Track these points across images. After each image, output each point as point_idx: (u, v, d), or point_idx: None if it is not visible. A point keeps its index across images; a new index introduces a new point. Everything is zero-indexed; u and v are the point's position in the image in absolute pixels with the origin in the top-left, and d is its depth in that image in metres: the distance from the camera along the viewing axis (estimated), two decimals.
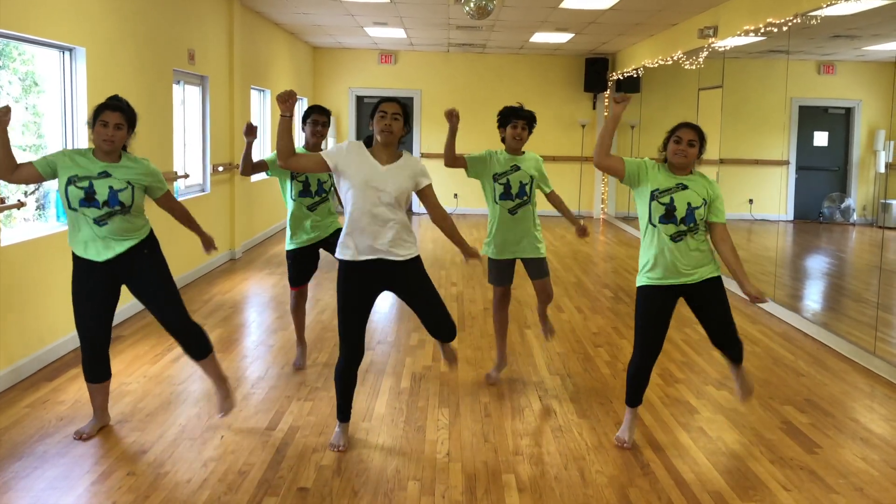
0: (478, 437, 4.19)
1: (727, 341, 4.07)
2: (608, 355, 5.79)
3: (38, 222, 5.72)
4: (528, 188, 4.82)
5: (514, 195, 4.81)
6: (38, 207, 5.82)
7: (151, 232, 4.07)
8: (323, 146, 5.07)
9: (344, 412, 4.05)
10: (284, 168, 3.86)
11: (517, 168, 4.82)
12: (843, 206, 11.59)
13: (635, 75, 12.93)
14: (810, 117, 11.51)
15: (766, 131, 10.31)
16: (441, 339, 4.16)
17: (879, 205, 10.58)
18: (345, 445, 3.99)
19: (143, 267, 3.98)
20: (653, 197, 3.88)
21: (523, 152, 4.90)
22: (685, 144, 3.86)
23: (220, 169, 9.10)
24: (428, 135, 14.88)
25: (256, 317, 6.97)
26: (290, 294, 5.34)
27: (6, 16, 4.79)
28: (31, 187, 5.72)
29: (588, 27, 11.20)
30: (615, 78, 14.11)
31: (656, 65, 11.48)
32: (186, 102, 8.38)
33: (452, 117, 4.56)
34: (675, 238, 3.87)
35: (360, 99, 14.99)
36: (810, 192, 11.45)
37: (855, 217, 11.54)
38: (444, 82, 14.83)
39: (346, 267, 3.87)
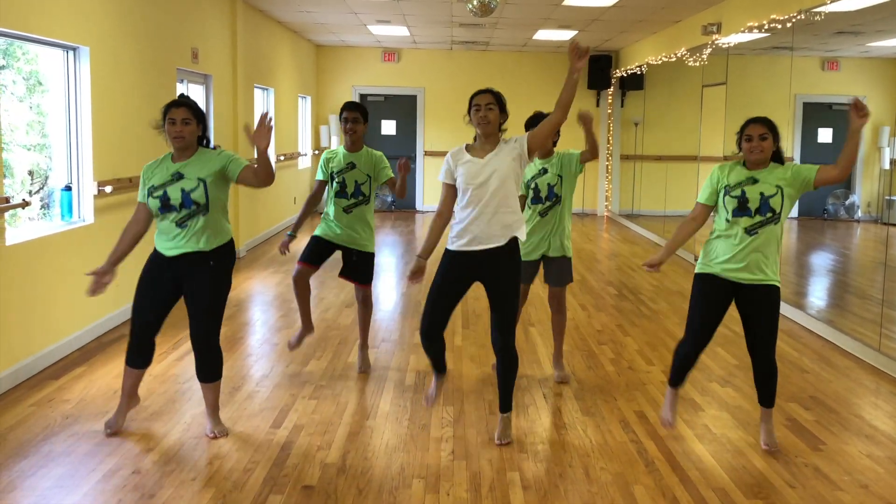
0: (482, 435, 4.19)
1: (762, 353, 3.99)
2: (612, 353, 5.79)
3: (42, 221, 5.73)
4: (556, 188, 4.87)
5: (543, 198, 4.88)
6: (42, 207, 5.83)
7: (230, 244, 4.06)
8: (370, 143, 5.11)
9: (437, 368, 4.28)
10: (449, 219, 4.08)
11: (545, 171, 4.89)
12: (847, 202, 11.56)
13: (639, 72, 12.92)
14: (814, 114, 11.48)
15: None
16: (496, 353, 4.09)
17: (884, 201, 10.55)
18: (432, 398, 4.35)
19: (203, 277, 3.97)
20: (725, 192, 3.89)
21: (553, 153, 4.93)
22: (757, 140, 3.83)
23: None
24: (431, 132, 14.89)
25: (261, 315, 6.98)
26: (296, 266, 5.09)
27: (10, 15, 4.79)
28: (36, 186, 5.74)
29: (591, 24, 11.19)
30: (618, 75, 14.10)
31: (660, 62, 11.46)
32: None
33: None
34: (750, 231, 3.84)
35: (363, 97, 14.99)
36: (814, 189, 11.43)
37: (859, 214, 11.51)
38: (448, 80, 14.82)
39: (450, 255, 4.02)
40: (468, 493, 3.53)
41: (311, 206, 5.19)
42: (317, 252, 5.06)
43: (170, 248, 3.95)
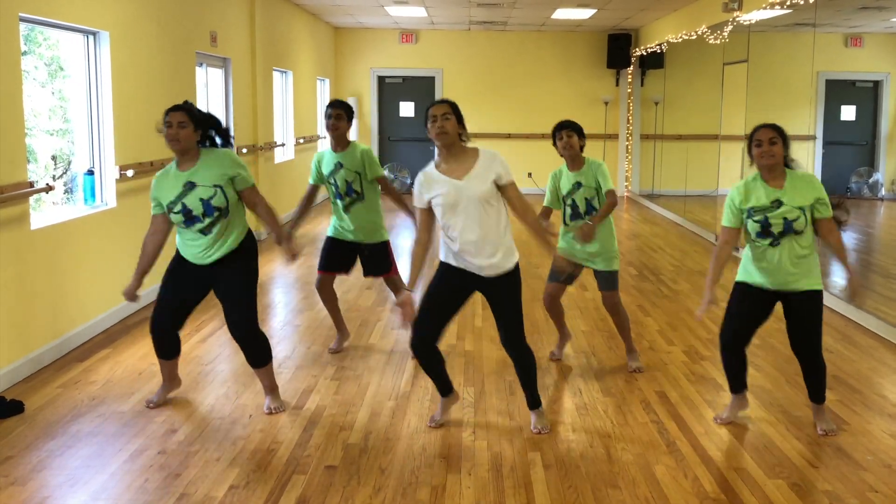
0: (503, 416, 4.21)
1: (806, 354, 3.95)
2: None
3: (66, 206, 5.79)
4: (594, 202, 4.72)
5: (582, 214, 4.75)
6: (65, 191, 5.89)
7: (249, 235, 4.12)
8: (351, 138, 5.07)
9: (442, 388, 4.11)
10: (429, 243, 3.90)
11: (580, 185, 4.73)
12: (871, 180, 11.43)
13: (659, 51, 12.80)
14: (837, 91, 11.33)
15: (792, 106, 10.19)
16: (508, 351, 4.01)
17: None
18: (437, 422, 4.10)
19: (230, 271, 4.06)
20: (749, 215, 3.82)
21: (584, 161, 4.76)
22: (767, 145, 3.77)
23: (244, 151, 9.14)
24: None
25: (282, 297, 7.02)
26: (316, 277, 5.29)
27: (32, 1, 4.82)
28: (59, 171, 5.80)
29: (610, 2, 11.08)
30: (638, 54, 13.98)
31: (680, 40, 11.35)
32: (209, 85, 8.42)
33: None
34: (773, 244, 3.81)
35: (381, 79, 14.96)
36: (838, 167, 11.30)
37: (883, 192, 11.38)
38: (466, 61, 14.76)
39: (445, 266, 3.87)
40: (489, 473, 3.55)
41: (305, 208, 5.17)
42: (333, 257, 5.13)
43: (199, 258, 4.01)
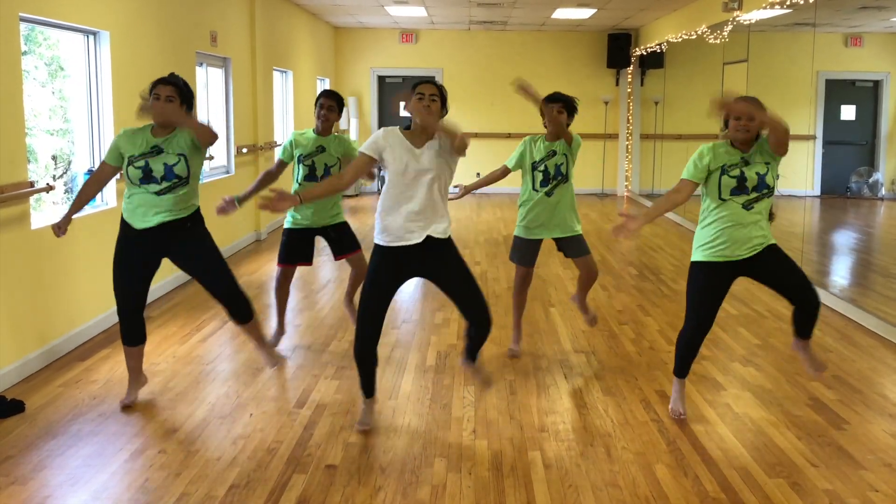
0: (503, 415, 4.22)
1: (803, 296, 3.95)
2: (633, 333, 5.78)
3: (66, 205, 5.79)
4: (563, 167, 4.91)
5: (551, 178, 4.90)
6: (66, 191, 5.90)
7: (198, 210, 4.20)
8: (335, 131, 5.13)
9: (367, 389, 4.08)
10: (347, 187, 3.90)
11: (554, 153, 4.92)
12: (871, 180, 11.44)
13: (659, 50, 12.80)
14: (837, 91, 11.35)
15: (792, 105, 10.20)
16: (475, 327, 3.98)
17: None
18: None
19: (186, 240, 4.13)
20: (723, 172, 3.88)
21: (559, 136, 4.94)
22: (745, 120, 3.84)
23: (244, 150, 9.15)
24: (450, 113, 14.82)
25: None
26: (276, 270, 5.28)
27: (32, 1, 4.83)
28: (59, 171, 5.80)
29: (610, 2, 11.09)
30: (638, 54, 13.98)
31: (680, 39, 11.35)
32: (209, 85, 8.42)
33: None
34: (747, 206, 3.86)
35: (381, 79, 14.96)
36: (838, 166, 11.31)
37: (883, 192, 11.39)
38: (466, 60, 14.76)
39: (380, 251, 3.82)
40: (489, 472, 3.56)
41: (266, 183, 5.14)
42: (292, 249, 5.15)
43: (148, 220, 4.03)
